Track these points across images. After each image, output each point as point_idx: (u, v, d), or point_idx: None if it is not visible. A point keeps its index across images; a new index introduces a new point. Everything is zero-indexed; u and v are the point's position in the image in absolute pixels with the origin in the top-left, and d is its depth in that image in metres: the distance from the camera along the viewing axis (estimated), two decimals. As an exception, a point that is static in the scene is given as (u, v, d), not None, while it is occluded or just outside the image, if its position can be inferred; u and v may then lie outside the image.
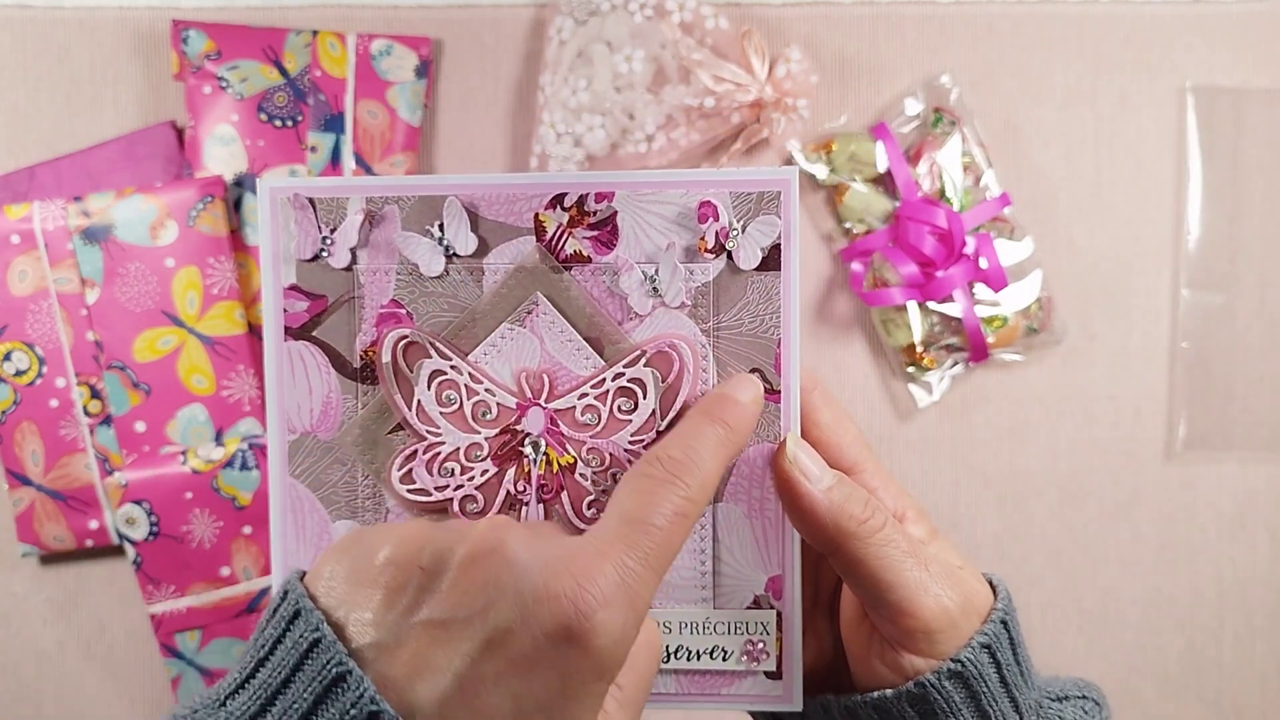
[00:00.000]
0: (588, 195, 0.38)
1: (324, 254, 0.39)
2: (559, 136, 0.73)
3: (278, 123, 0.73)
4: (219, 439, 0.72)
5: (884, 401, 0.77)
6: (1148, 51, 0.77)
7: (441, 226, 0.39)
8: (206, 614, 0.71)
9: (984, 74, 0.77)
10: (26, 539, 0.72)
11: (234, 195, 0.73)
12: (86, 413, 0.72)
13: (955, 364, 0.76)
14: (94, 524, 0.72)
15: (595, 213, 0.39)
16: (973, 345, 0.74)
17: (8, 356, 0.71)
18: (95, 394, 0.72)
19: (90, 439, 0.72)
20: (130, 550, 0.70)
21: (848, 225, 0.76)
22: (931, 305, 0.74)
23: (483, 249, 0.39)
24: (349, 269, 0.39)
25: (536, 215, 0.39)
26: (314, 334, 0.39)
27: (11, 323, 0.71)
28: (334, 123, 0.73)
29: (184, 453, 0.71)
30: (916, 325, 0.74)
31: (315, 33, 0.74)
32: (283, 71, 0.73)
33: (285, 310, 0.39)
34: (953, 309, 0.74)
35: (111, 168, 0.74)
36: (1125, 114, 0.77)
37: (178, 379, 0.71)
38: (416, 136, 0.75)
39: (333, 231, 0.39)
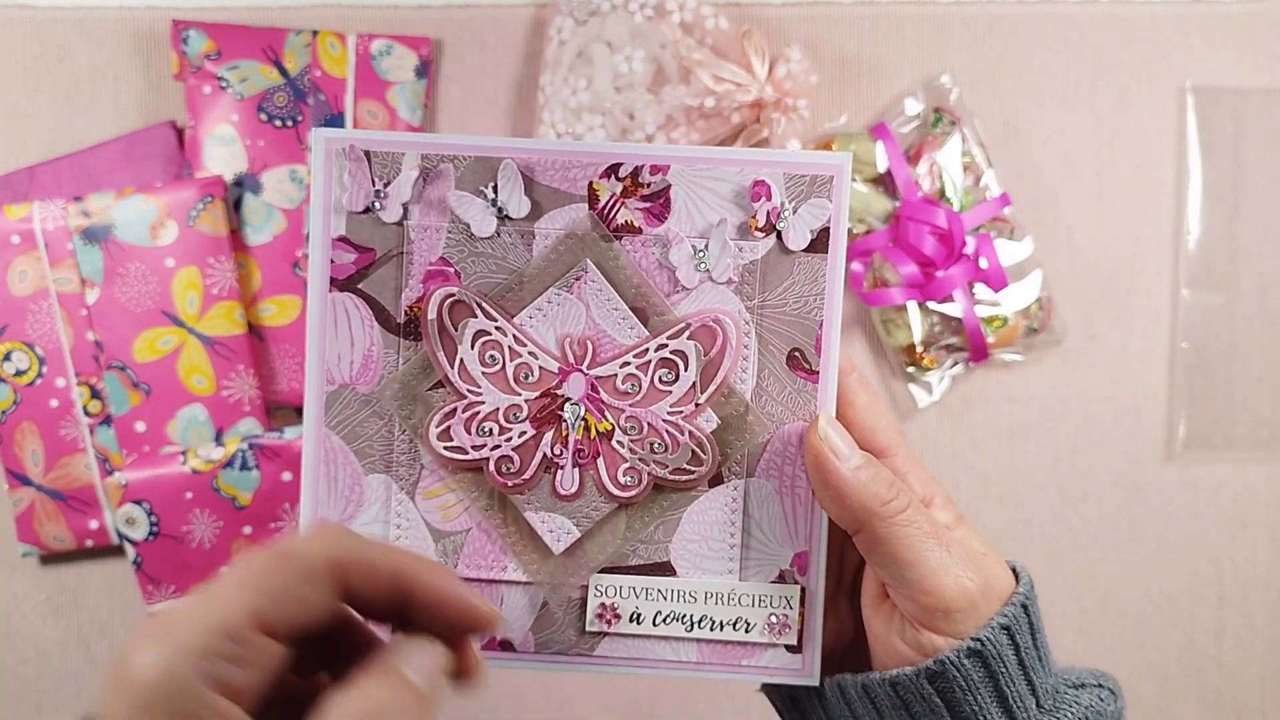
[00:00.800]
0: (643, 167, 0.39)
1: (375, 207, 0.39)
2: (559, 136, 0.73)
3: (278, 123, 0.73)
4: (219, 439, 0.72)
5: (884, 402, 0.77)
6: (1148, 51, 0.77)
7: (495, 188, 0.39)
8: (206, 614, 0.71)
9: (984, 74, 0.77)
10: (26, 539, 0.72)
11: (234, 195, 0.73)
12: (86, 413, 0.72)
13: (955, 364, 0.76)
14: (94, 524, 0.72)
15: (649, 184, 0.39)
16: (973, 345, 0.74)
17: (8, 356, 0.71)
18: (95, 394, 0.72)
19: (90, 439, 0.72)
20: (130, 550, 0.70)
21: (848, 225, 0.76)
22: (931, 305, 0.74)
23: (535, 213, 0.39)
24: (400, 224, 0.39)
25: (590, 183, 0.39)
26: (359, 286, 0.40)
27: (11, 323, 0.71)
28: (334, 123, 0.73)
29: (184, 453, 0.71)
30: (916, 325, 0.74)
31: (315, 33, 0.74)
32: (283, 71, 0.73)
33: (332, 261, 0.40)
34: (953, 309, 0.74)
35: (111, 168, 0.74)
36: (1125, 114, 0.77)
37: (178, 379, 0.71)
38: (416, 136, 0.75)
39: (386, 185, 0.39)
